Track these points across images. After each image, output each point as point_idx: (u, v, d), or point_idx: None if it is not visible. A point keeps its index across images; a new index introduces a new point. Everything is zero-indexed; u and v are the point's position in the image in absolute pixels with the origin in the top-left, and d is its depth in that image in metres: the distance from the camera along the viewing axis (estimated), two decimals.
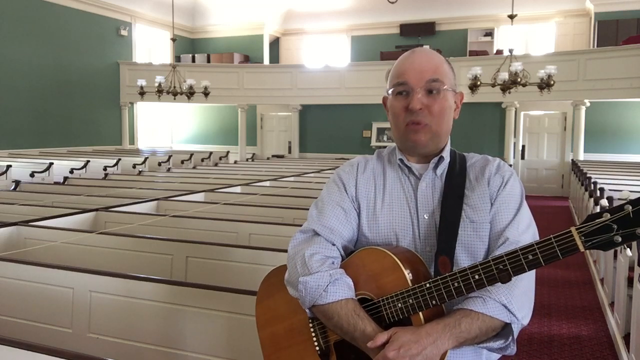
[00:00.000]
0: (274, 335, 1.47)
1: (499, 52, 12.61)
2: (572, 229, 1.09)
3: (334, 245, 1.40)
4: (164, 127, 15.69)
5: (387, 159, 1.51)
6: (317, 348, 1.38)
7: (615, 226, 1.05)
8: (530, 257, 1.13)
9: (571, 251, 1.09)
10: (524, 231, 1.33)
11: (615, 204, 3.98)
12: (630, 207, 1.04)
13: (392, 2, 12.42)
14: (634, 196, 1.21)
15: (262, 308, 1.52)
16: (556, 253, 1.11)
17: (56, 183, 7.64)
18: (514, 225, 1.33)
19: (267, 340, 1.49)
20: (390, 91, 1.42)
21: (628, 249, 3.70)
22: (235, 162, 11.95)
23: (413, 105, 1.36)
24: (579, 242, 1.08)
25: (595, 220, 1.07)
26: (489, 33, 13.70)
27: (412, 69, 1.39)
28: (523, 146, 12.57)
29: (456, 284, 1.20)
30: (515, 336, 1.26)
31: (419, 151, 1.42)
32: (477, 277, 1.18)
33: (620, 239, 1.05)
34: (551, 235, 1.11)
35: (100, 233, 3.48)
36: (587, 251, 6.15)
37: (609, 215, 1.06)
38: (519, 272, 1.15)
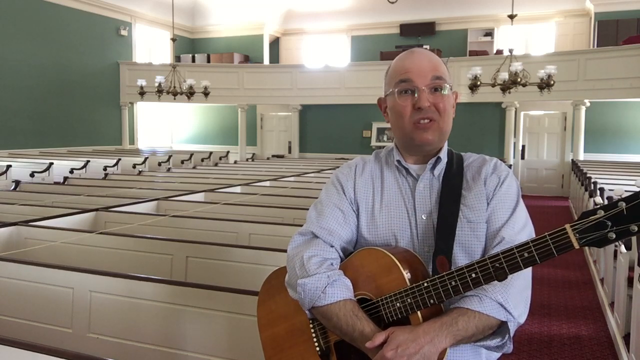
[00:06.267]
0: (275, 336, 1.48)
1: (499, 52, 12.61)
2: (567, 226, 1.09)
3: (332, 247, 1.41)
4: (164, 127, 15.69)
5: (384, 160, 1.51)
6: (318, 348, 1.39)
7: (610, 223, 1.06)
8: (526, 254, 1.14)
9: (566, 248, 1.10)
10: (520, 231, 1.34)
11: None
12: (624, 204, 1.04)
13: (392, 2, 12.43)
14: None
15: (264, 310, 1.52)
16: (551, 250, 1.11)
17: (56, 183, 7.64)
18: (510, 224, 1.34)
19: (268, 342, 1.49)
20: (395, 91, 1.40)
21: (623, 246, 3.70)
22: (235, 162, 11.95)
23: (422, 103, 1.36)
24: (573, 239, 1.09)
25: (589, 217, 1.08)
26: (489, 33, 13.70)
27: (415, 67, 1.38)
28: (523, 146, 12.56)
29: (453, 283, 1.21)
30: (512, 334, 1.27)
31: (425, 150, 1.42)
32: (474, 275, 1.19)
33: (614, 236, 1.06)
34: (546, 233, 1.12)
35: (100, 233, 3.48)
36: (587, 251, 6.17)
37: (602, 212, 1.07)
38: (515, 269, 1.16)
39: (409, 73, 1.38)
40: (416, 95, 1.37)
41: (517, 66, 8.39)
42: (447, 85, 1.39)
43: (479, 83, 8.24)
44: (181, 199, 5.07)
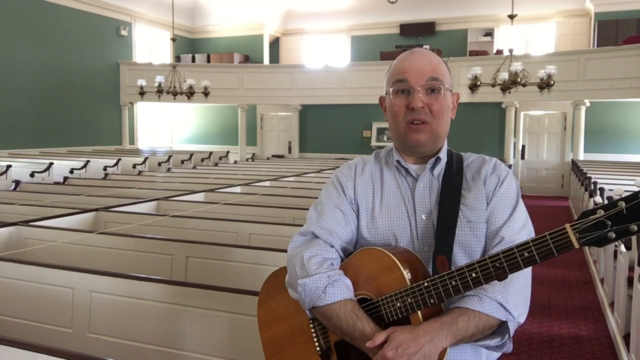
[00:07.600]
0: (275, 336, 1.48)
1: (499, 52, 12.61)
2: (567, 225, 1.10)
3: (332, 247, 1.41)
4: (164, 127, 15.69)
5: (384, 161, 1.51)
6: (318, 348, 1.39)
7: (609, 222, 1.06)
8: (526, 254, 1.14)
9: (566, 248, 1.10)
10: (520, 230, 1.34)
11: None
12: (624, 204, 1.05)
13: (392, 2, 12.43)
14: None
15: (264, 309, 1.52)
16: (551, 250, 1.11)
17: (56, 183, 7.64)
18: (510, 224, 1.34)
19: (268, 341, 1.49)
20: (390, 90, 1.42)
21: (623, 246, 3.70)
22: (235, 162, 11.95)
23: (414, 103, 1.36)
24: (573, 239, 1.09)
25: (589, 217, 1.08)
26: (489, 33, 13.71)
27: (412, 67, 1.39)
28: (523, 146, 12.56)
29: (454, 282, 1.21)
30: (512, 334, 1.27)
31: (419, 150, 1.43)
32: (474, 275, 1.19)
33: (614, 235, 1.06)
34: (546, 233, 1.12)
35: (100, 233, 3.48)
36: (587, 251, 6.16)
37: (602, 211, 1.07)
38: (515, 269, 1.16)
39: (405, 73, 1.39)
40: (410, 95, 1.38)
41: (517, 66, 8.39)
42: (445, 87, 1.39)
43: (479, 83, 8.24)
44: (181, 199, 5.07)
